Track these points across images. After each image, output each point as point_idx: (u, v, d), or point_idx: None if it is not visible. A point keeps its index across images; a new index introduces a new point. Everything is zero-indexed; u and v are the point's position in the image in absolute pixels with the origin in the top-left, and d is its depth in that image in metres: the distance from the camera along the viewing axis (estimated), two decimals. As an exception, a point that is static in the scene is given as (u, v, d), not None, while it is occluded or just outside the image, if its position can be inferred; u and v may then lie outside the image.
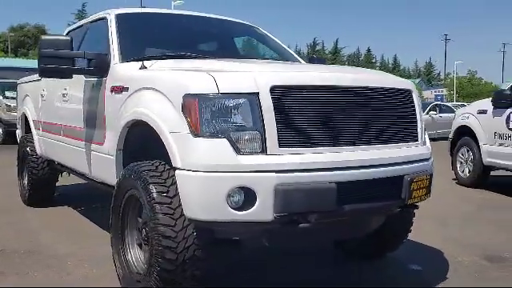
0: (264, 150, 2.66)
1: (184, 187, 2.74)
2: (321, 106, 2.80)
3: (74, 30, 5.20)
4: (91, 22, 4.64)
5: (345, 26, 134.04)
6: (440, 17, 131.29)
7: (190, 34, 4.45)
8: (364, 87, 2.96)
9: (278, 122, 2.67)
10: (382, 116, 3.04)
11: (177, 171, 2.78)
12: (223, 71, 2.87)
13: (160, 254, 2.79)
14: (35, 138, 5.75)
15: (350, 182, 2.78)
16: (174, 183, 2.88)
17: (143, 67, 3.38)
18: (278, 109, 2.68)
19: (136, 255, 3.28)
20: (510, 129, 6.67)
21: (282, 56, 4.52)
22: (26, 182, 6.15)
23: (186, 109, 2.76)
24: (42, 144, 5.49)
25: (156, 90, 3.04)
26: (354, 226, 3.31)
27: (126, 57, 3.73)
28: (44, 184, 5.90)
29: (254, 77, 2.73)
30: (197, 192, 2.69)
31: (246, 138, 2.67)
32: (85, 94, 4.08)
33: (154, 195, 2.85)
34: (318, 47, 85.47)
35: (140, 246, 3.29)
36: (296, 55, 4.73)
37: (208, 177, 2.65)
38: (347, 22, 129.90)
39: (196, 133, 2.70)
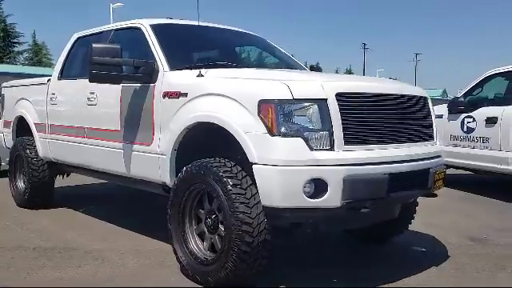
0: (332, 147, 3.18)
1: (263, 179, 3.18)
2: (375, 109, 3.37)
3: (88, 36, 5.42)
4: (116, 30, 4.90)
5: (269, 32, 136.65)
6: (359, 27, 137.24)
7: (216, 44, 4.88)
8: (404, 95, 3.58)
9: (343, 123, 3.20)
10: (414, 119, 3.66)
11: (255, 166, 3.21)
12: (290, 80, 3.35)
13: (239, 238, 3.22)
14: (38, 140, 5.86)
15: (397, 173, 3.36)
16: (245, 176, 3.33)
17: (200, 75, 3.76)
18: (343, 112, 3.21)
19: (197, 244, 3.66)
20: (464, 131, 7.61)
21: (293, 66, 5.03)
22: (22, 184, 6.23)
23: (262, 112, 3.20)
24: (50, 146, 5.62)
25: (225, 96, 3.45)
26: (387, 211, 3.91)
27: (172, 65, 4.08)
28: (45, 186, 6.02)
29: (322, 85, 3.24)
30: (276, 183, 3.14)
31: (317, 136, 3.17)
32: (124, 98, 4.35)
33: (230, 187, 3.28)
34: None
35: (200, 235, 3.68)
36: (302, 64, 5.29)
37: (287, 170, 3.12)
38: (271, 29, 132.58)
39: (273, 133, 3.16)
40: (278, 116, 3.17)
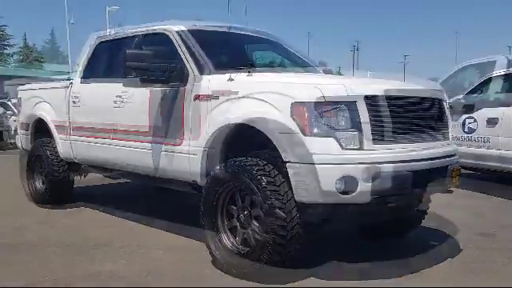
0: (361, 146, 3.42)
1: (297, 177, 3.41)
2: (400, 110, 3.62)
3: (110, 40, 5.61)
4: (140, 34, 5.09)
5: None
6: (349, 29, 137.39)
7: (240, 48, 5.11)
8: (425, 97, 3.84)
9: (371, 124, 3.43)
10: (434, 119, 3.92)
11: (289, 164, 3.44)
12: (321, 83, 3.58)
13: (275, 232, 3.45)
14: (58, 141, 6.03)
15: (419, 170, 3.60)
16: (277, 174, 3.55)
17: (231, 79, 3.98)
18: (371, 113, 3.45)
19: (230, 238, 3.87)
20: (465, 132, 7.88)
21: (311, 68, 5.25)
22: (41, 184, 6.42)
23: (295, 114, 3.43)
24: (73, 147, 5.79)
25: (257, 99, 3.68)
26: (409, 206, 4.15)
27: (202, 69, 4.29)
28: (65, 185, 6.22)
29: (351, 88, 3.48)
30: (310, 180, 3.38)
31: (348, 136, 3.41)
32: (153, 100, 4.53)
33: (265, 184, 3.51)
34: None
35: (231, 230, 3.89)
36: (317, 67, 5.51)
37: (320, 168, 3.36)
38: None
39: (306, 133, 3.39)
40: (311, 117, 3.40)
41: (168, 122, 4.41)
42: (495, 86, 8.07)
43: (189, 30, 4.77)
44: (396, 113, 3.60)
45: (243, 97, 3.81)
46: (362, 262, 4.18)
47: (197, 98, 4.14)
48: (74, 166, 6.11)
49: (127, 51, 4.19)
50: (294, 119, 3.44)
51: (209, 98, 4.04)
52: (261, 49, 5.49)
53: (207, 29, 5.05)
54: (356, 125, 3.42)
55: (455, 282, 3.80)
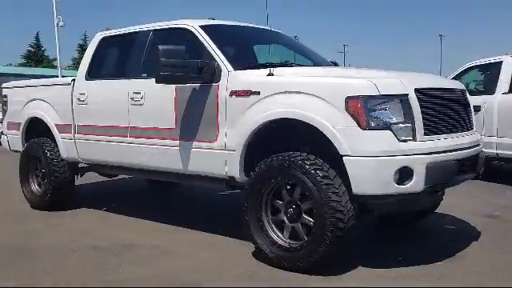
0: (414, 138, 3.54)
1: (356, 170, 3.48)
2: (444, 102, 3.79)
3: (115, 36, 5.46)
4: (156, 30, 4.98)
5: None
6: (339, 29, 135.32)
7: (255, 43, 5.10)
8: (459, 89, 4.05)
9: (422, 116, 3.56)
10: (465, 110, 4.11)
11: (346, 157, 3.50)
12: (372, 77, 3.66)
13: (334, 225, 3.52)
14: (60, 141, 5.80)
15: (462, 159, 3.79)
16: (329, 168, 3.62)
17: (271, 74, 3.99)
18: (421, 106, 3.58)
19: (276, 233, 3.90)
20: None
21: (324, 64, 5.33)
22: (38, 187, 6.16)
23: (350, 108, 3.50)
24: (78, 147, 5.59)
25: (305, 93, 3.70)
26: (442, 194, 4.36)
27: (234, 65, 4.26)
28: (67, 186, 5.99)
29: (402, 81, 3.59)
30: (370, 173, 3.46)
31: (402, 128, 3.51)
32: (180, 98, 4.45)
33: (320, 179, 3.56)
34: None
35: (276, 224, 3.92)
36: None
37: (380, 160, 3.45)
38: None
39: (363, 127, 3.47)
40: (367, 111, 3.47)
41: (199, 119, 4.33)
42: None
43: (213, 25, 4.73)
44: (441, 104, 3.76)
45: (289, 92, 3.79)
46: (390, 245, 4.30)
47: (233, 93, 4.10)
48: (76, 166, 5.94)
49: (160, 47, 4.09)
50: (349, 113, 3.50)
51: (248, 93, 4.00)
52: (278, 48, 5.46)
53: (230, 24, 5.01)
54: (409, 117, 3.53)
55: (493, 262, 3.97)
